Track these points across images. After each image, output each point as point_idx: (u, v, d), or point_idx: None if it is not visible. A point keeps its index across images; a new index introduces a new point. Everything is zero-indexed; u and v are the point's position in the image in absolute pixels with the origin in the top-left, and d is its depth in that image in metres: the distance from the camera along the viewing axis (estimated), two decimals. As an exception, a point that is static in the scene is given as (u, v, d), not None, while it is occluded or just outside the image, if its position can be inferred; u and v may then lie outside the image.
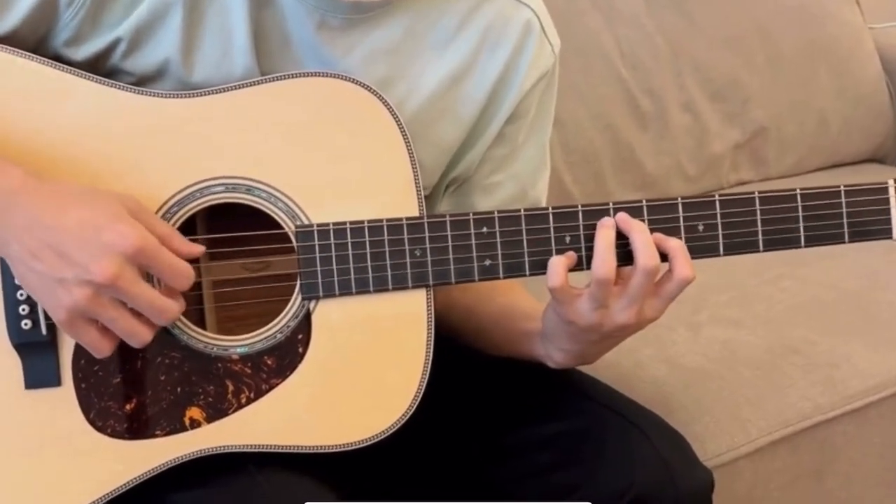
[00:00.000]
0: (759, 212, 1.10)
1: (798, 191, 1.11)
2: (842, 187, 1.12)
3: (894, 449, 1.64)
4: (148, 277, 1.04)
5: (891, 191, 1.12)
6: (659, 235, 1.09)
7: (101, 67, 1.12)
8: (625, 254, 1.09)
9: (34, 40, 1.12)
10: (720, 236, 1.11)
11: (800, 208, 1.11)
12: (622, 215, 1.09)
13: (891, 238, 1.13)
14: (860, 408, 1.57)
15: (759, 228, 1.10)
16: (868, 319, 1.71)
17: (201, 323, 1.13)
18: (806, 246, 1.12)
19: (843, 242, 1.12)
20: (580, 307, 1.08)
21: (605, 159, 2.05)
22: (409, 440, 1.13)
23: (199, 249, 1.06)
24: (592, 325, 1.09)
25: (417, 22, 1.17)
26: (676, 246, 1.09)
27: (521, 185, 1.27)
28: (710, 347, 1.62)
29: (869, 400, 1.58)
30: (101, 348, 1.03)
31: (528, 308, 1.22)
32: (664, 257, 1.09)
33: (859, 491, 1.62)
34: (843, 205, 1.12)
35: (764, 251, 1.11)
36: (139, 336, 1.02)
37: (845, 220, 1.12)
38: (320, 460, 1.10)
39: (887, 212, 1.12)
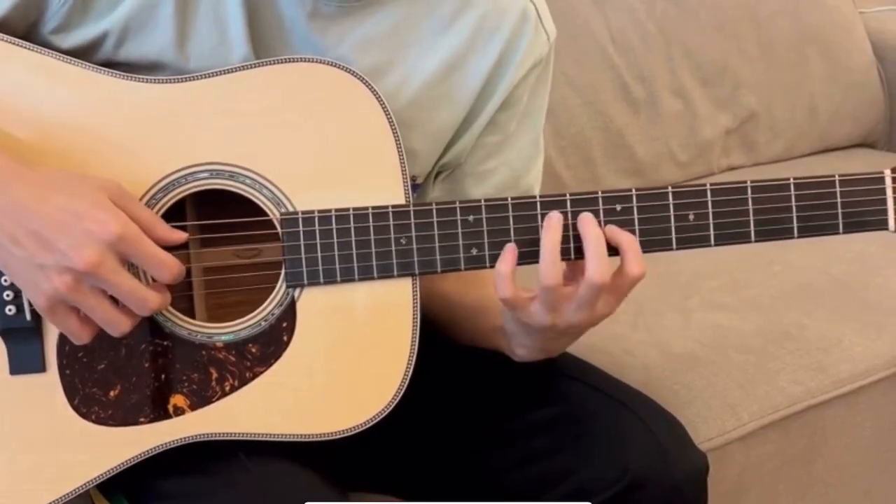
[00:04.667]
0: (750, 201, 1.08)
1: (791, 180, 1.09)
2: (836, 177, 1.09)
3: (884, 433, 1.65)
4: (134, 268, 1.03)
5: (887, 180, 1.09)
6: (613, 228, 1.06)
7: (92, 58, 1.11)
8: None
9: (24, 27, 1.11)
10: (711, 227, 1.08)
11: (793, 198, 1.09)
12: (583, 217, 1.06)
13: (887, 229, 1.10)
14: (850, 392, 1.58)
15: (751, 219, 1.08)
16: (858, 304, 1.72)
17: (190, 310, 1.12)
18: (799, 237, 1.09)
19: (838, 233, 1.10)
20: (532, 310, 1.08)
21: (596, 145, 2.05)
22: (401, 428, 1.13)
23: (181, 236, 1.05)
24: (546, 326, 1.08)
25: (412, 9, 1.16)
26: (628, 241, 1.06)
27: (514, 172, 1.26)
28: (701, 333, 1.62)
29: (859, 384, 1.58)
30: (81, 336, 1.03)
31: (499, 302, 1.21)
32: (616, 251, 1.06)
33: (849, 475, 1.64)
34: (838, 194, 1.09)
35: (756, 242, 1.09)
36: (118, 325, 1.02)
37: (840, 211, 1.09)
38: (310, 448, 1.09)
39: (883, 202, 1.10)
